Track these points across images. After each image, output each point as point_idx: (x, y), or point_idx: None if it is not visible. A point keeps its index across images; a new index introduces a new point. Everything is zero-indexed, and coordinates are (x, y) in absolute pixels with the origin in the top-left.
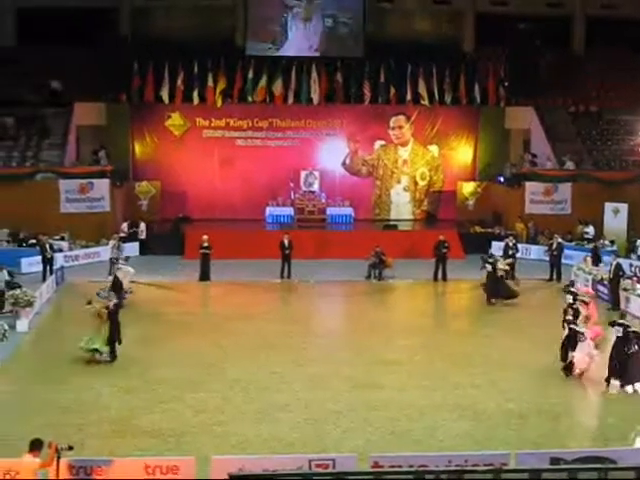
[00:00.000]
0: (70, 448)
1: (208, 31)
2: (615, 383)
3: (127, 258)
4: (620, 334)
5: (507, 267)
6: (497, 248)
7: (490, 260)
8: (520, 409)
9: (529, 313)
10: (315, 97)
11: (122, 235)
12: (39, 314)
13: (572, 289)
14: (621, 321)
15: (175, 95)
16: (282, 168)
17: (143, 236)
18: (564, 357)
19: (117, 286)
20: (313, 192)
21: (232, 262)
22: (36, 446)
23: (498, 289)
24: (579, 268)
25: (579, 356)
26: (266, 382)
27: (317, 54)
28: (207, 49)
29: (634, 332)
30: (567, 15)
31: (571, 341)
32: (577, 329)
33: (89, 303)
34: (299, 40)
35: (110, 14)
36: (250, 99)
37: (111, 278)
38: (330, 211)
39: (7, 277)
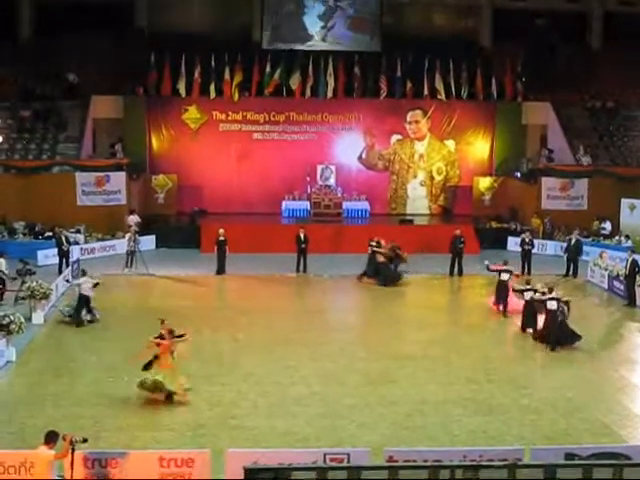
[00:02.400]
0: (85, 440)
1: (225, 24)
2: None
3: (84, 272)
4: (554, 307)
5: (389, 252)
6: (513, 243)
7: (373, 244)
8: (535, 404)
9: None
10: (329, 91)
11: (135, 229)
12: (55, 306)
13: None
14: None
15: (192, 88)
16: (298, 162)
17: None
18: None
19: (83, 302)
20: (329, 186)
21: (248, 256)
22: (51, 438)
23: (379, 274)
24: (595, 264)
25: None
26: (281, 376)
27: (334, 48)
28: (224, 42)
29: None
30: (585, 10)
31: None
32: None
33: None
34: (316, 34)
35: (127, 6)
36: (266, 93)
37: (127, 271)
38: (346, 205)
39: (4, 267)
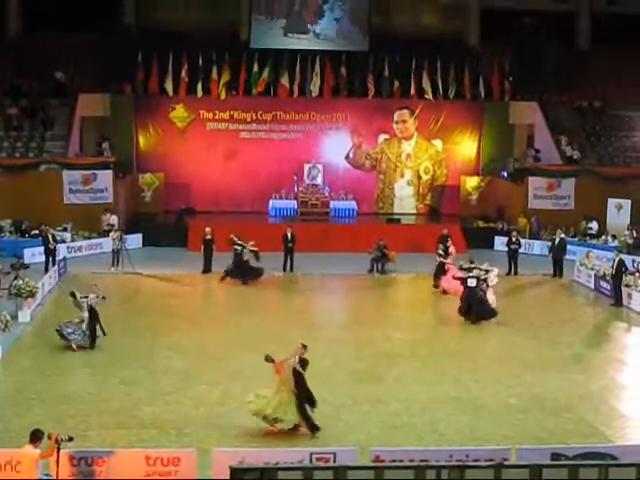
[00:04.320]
0: (70, 439)
1: (213, 23)
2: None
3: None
4: (473, 284)
5: (254, 249)
6: (500, 243)
7: (238, 242)
8: (522, 404)
9: (533, 308)
10: (315, 89)
11: (108, 228)
12: (41, 305)
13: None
14: (473, 273)
15: (179, 87)
16: (286, 161)
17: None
18: (435, 282)
19: (95, 320)
20: (316, 185)
21: None
22: (37, 437)
23: (244, 271)
24: (582, 264)
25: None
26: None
27: (322, 47)
28: (212, 41)
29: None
30: (572, 11)
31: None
32: (445, 262)
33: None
34: (304, 33)
35: (115, 5)
36: (253, 92)
37: (114, 270)
38: (333, 204)
39: None
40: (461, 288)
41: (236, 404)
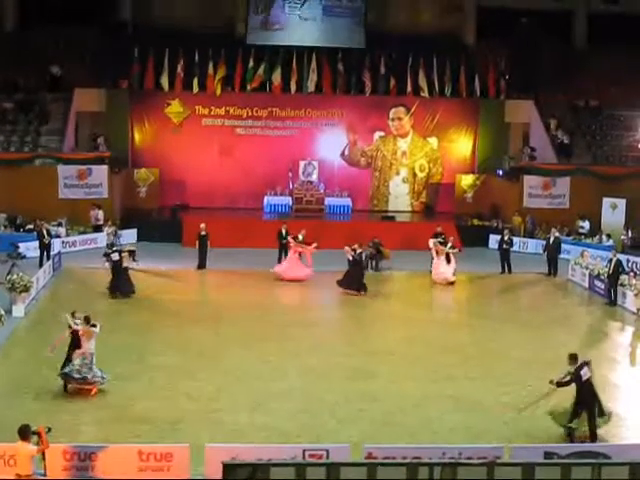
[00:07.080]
0: (49, 430)
1: (209, 19)
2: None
3: (95, 325)
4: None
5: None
6: (494, 241)
7: (113, 250)
8: (515, 402)
9: (527, 307)
10: (311, 86)
11: (96, 223)
12: (36, 299)
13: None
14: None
15: (175, 82)
16: (281, 157)
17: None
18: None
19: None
20: (312, 182)
21: (230, 250)
22: (26, 433)
23: (119, 283)
24: (576, 263)
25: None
26: (261, 371)
27: (318, 44)
28: (208, 37)
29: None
30: (569, 10)
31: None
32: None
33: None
34: (300, 29)
35: (111, 0)
36: (248, 87)
37: (108, 265)
38: (328, 201)
39: None
40: (301, 274)
41: (230, 400)
